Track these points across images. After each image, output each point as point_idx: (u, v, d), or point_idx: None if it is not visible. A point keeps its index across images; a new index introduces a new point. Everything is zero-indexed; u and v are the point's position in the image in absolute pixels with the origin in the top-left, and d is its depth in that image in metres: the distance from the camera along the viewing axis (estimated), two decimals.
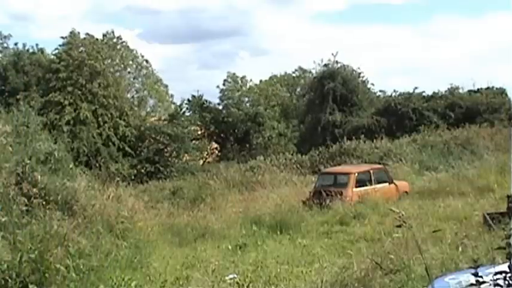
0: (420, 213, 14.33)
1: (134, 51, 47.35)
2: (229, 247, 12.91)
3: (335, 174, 20.48)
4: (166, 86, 53.26)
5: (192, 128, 43.08)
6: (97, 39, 41.51)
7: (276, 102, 50.27)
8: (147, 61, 49.84)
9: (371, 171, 19.53)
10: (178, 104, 47.85)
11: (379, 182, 19.09)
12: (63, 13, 75.27)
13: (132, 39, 74.94)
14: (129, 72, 48.09)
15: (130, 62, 47.54)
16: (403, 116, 36.12)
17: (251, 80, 52.82)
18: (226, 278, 9.46)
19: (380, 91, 45.28)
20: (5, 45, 44.16)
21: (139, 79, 49.91)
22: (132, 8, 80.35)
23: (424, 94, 38.78)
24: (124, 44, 44.79)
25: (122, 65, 44.29)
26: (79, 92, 38.73)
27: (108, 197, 12.95)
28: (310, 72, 50.43)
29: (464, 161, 24.96)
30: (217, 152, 46.30)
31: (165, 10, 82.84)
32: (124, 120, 40.23)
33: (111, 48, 42.31)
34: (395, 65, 78.56)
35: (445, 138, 29.67)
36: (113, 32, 43.38)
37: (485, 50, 75.47)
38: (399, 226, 3.63)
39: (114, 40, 43.37)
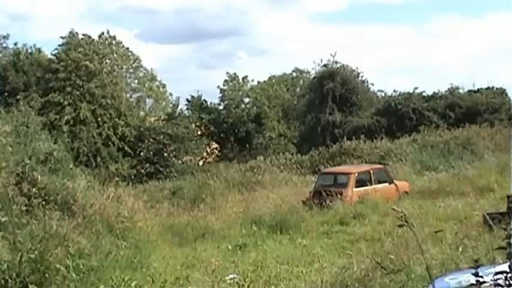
0: (420, 213, 14.31)
1: (126, 50, 47.19)
2: (229, 247, 12.90)
3: (335, 174, 20.48)
4: (164, 86, 53.27)
5: (192, 127, 43.10)
6: (94, 39, 41.59)
7: (277, 103, 50.27)
8: (140, 60, 49.90)
9: (371, 171, 19.52)
10: (176, 103, 47.96)
11: (379, 182, 19.09)
12: (60, 13, 75.06)
13: (130, 39, 74.82)
14: (130, 72, 48.08)
15: (126, 61, 47.46)
16: (403, 116, 36.11)
17: (252, 80, 52.84)
18: (227, 278, 9.46)
19: (380, 91, 45.29)
20: (4, 45, 44.17)
21: (136, 80, 49.90)
22: (129, 8, 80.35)
23: (424, 94, 38.76)
24: (119, 43, 44.75)
25: (118, 65, 44.20)
26: (78, 93, 38.81)
27: (108, 197, 12.92)
28: (307, 72, 50.58)
29: (465, 161, 24.92)
30: (217, 152, 46.32)
31: (162, 10, 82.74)
32: (123, 120, 40.28)
33: (108, 48, 42.29)
34: (395, 65, 78.53)
35: (445, 138, 29.65)
36: (108, 32, 43.40)
37: (485, 50, 75.54)
38: (401, 226, 3.62)
39: (109, 40, 43.34)
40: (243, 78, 52.29)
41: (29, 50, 42.54)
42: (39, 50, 43.06)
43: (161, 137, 39.01)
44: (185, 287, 9.45)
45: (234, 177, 26.94)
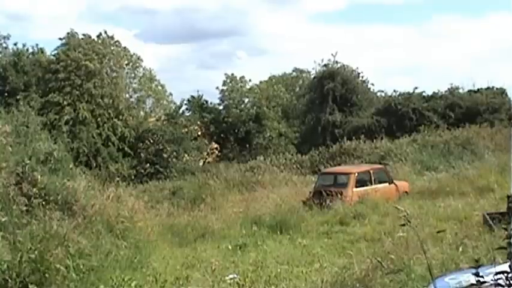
0: (420, 213, 14.31)
1: (125, 50, 47.09)
2: (229, 247, 12.89)
3: (335, 174, 20.47)
4: (162, 87, 53.28)
5: (192, 128, 43.10)
6: (93, 39, 41.60)
7: (277, 103, 50.32)
8: (141, 60, 49.87)
9: (371, 171, 19.52)
10: (177, 103, 47.97)
11: (379, 182, 19.08)
12: (59, 13, 75.00)
13: (129, 39, 74.64)
14: (127, 73, 48.04)
15: (126, 62, 47.41)
16: (403, 116, 36.12)
17: (250, 80, 52.84)
18: (227, 278, 9.45)
19: (380, 91, 45.34)
20: (5, 45, 44.13)
21: (135, 80, 49.89)
22: (128, 8, 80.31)
23: (424, 94, 38.80)
24: (117, 43, 44.72)
25: (118, 65, 44.14)
26: (77, 92, 38.82)
27: (108, 197, 12.92)
28: (308, 72, 50.61)
29: (465, 161, 24.92)
30: (217, 152, 46.31)
31: (161, 10, 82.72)
32: (121, 120, 40.26)
33: (107, 48, 42.26)
34: (395, 65, 78.61)
35: (445, 138, 29.63)
36: (105, 32, 43.38)
37: (485, 50, 75.59)
38: (403, 225, 3.62)
39: (108, 40, 43.30)
40: (240, 78, 52.31)
41: (31, 50, 42.58)
42: (41, 50, 43.05)
43: (160, 137, 39.02)
44: (185, 287, 9.45)
45: (234, 177, 26.93)
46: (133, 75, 49.63)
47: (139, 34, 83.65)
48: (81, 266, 8.99)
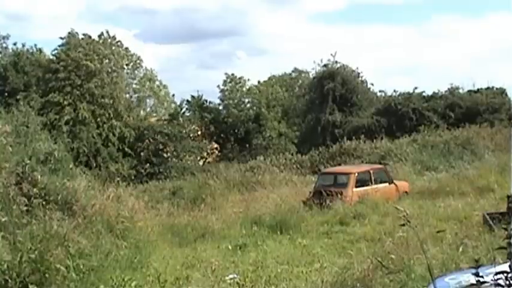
0: (420, 213, 14.31)
1: (126, 50, 47.11)
2: (229, 247, 12.89)
3: (335, 174, 20.47)
4: (164, 86, 53.31)
5: (192, 127, 43.11)
6: (94, 39, 41.63)
7: (277, 103, 50.32)
8: (141, 60, 49.91)
9: (371, 171, 19.51)
10: (177, 103, 48.02)
11: (379, 182, 19.07)
12: (59, 13, 75.06)
13: (129, 39, 74.77)
14: (127, 73, 48.08)
15: (126, 62, 47.46)
16: (403, 116, 36.12)
17: (248, 80, 52.83)
18: (227, 278, 9.46)
19: (380, 91, 45.32)
20: (4, 45, 44.19)
21: (136, 80, 49.92)
22: (128, 8, 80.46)
23: (424, 94, 38.79)
24: (119, 43, 44.74)
25: (119, 65, 44.18)
26: (77, 92, 38.83)
27: (108, 197, 12.92)
28: (306, 72, 50.61)
29: (465, 161, 24.92)
30: (217, 152, 46.33)
31: (161, 10, 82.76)
32: (121, 120, 40.27)
33: (107, 48, 42.29)
34: (395, 65, 78.64)
35: (445, 138, 29.62)
36: (107, 32, 43.41)
37: (485, 50, 75.65)
38: (403, 225, 3.63)
39: (109, 40, 43.36)
40: (239, 79, 52.31)
41: (30, 50, 42.60)
42: (40, 50, 43.13)
43: (159, 136, 39.02)
44: (185, 287, 9.45)
45: (234, 177, 26.92)
46: (133, 75, 49.68)
47: (138, 34, 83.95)
48: (81, 266, 8.99)
